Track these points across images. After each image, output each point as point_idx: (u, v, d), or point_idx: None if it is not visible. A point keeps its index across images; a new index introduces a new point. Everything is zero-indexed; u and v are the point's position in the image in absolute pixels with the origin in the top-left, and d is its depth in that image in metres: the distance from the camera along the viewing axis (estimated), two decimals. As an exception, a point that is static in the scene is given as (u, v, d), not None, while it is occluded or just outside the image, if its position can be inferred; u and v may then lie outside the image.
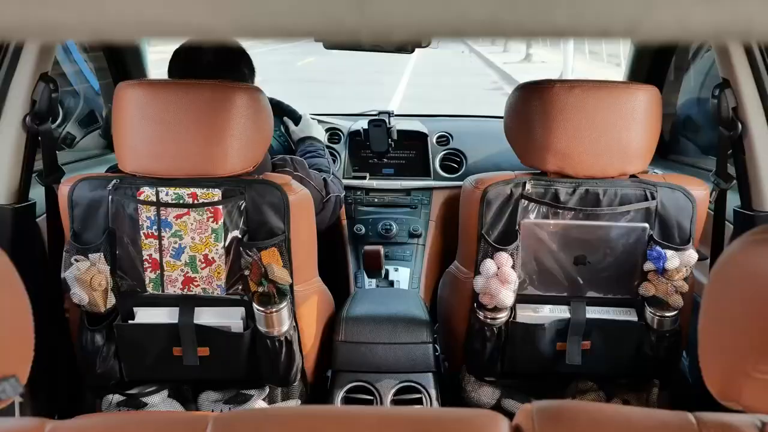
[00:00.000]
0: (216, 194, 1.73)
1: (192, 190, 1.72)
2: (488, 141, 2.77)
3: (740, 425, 0.80)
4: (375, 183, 2.81)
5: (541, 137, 1.77)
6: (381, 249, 2.45)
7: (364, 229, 2.69)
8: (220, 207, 1.73)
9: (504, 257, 1.83)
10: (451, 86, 13.68)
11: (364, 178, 2.82)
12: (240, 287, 1.79)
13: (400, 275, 2.57)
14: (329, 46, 2.27)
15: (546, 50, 20.27)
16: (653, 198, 1.81)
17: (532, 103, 1.77)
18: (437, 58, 18.60)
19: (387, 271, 2.56)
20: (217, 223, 1.75)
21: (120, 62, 2.56)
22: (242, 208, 1.74)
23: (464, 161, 2.82)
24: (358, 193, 2.78)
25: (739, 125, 1.83)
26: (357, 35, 0.42)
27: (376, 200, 2.77)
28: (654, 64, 2.48)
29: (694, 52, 2.58)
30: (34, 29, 0.42)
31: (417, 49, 2.25)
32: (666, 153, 2.67)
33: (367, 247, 2.46)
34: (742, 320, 0.75)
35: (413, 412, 0.82)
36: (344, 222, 2.71)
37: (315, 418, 0.82)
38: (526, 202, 1.83)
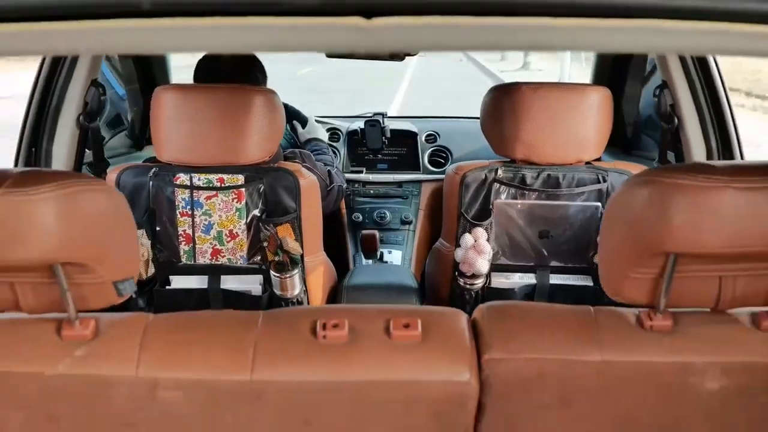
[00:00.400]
0: (239, 179, 2.08)
1: (219, 175, 2.07)
2: (471, 139, 3.12)
3: (623, 313, 1.16)
4: (371, 176, 3.17)
5: (511, 131, 2.12)
6: (376, 233, 2.81)
7: (361, 217, 3.04)
8: (243, 190, 2.09)
9: (480, 231, 2.18)
10: (448, 93, 13.97)
11: (361, 172, 3.17)
12: (259, 257, 2.14)
13: (393, 257, 2.91)
14: (330, 55, 2.62)
15: (543, 58, 20.64)
16: (604, 181, 2.17)
17: (504, 102, 2.13)
18: (434, 67, 18.93)
19: (382, 254, 2.91)
20: (240, 203, 2.10)
21: (147, 70, 2.91)
22: (261, 190, 2.09)
23: (450, 157, 3.18)
24: (356, 185, 3.13)
25: (676, 119, 2.20)
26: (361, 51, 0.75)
27: (371, 192, 3.12)
28: (614, 71, 2.85)
29: (653, 63, 2.94)
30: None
31: (415, 58, 2.61)
32: (629, 149, 3.02)
33: (365, 232, 2.81)
34: (622, 239, 1.11)
35: (398, 308, 1.17)
36: (344, 211, 3.06)
37: (334, 311, 1.18)
38: (498, 185, 2.19)
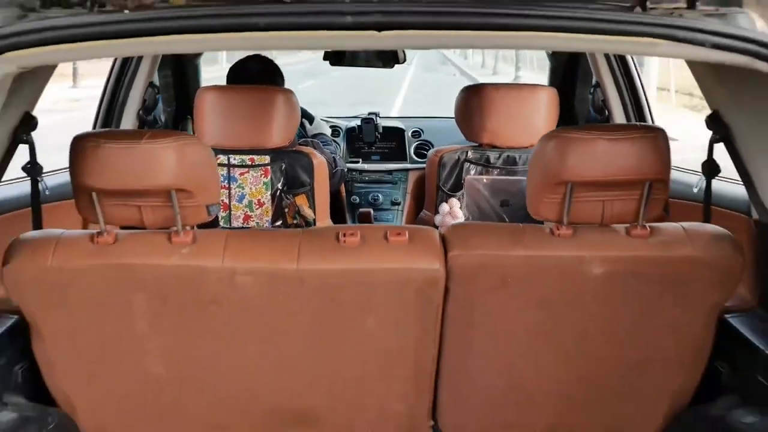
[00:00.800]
0: (266, 159, 2.66)
1: (250, 156, 2.66)
2: (449, 134, 3.73)
3: (541, 227, 1.75)
4: (366, 166, 3.77)
5: (478, 121, 2.72)
6: (371, 211, 3.41)
7: (358, 199, 3.64)
8: (269, 167, 2.67)
9: (454, 201, 2.78)
10: (444, 104, 14.53)
11: (357, 162, 3.78)
12: (280, 221, 2.73)
13: (385, 231, 3.51)
14: (334, 63, 3.23)
15: (534, 73, 21.60)
16: (551, 160, 2.77)
17: (473, 99, 2.73)
18: (428, 80, 19.58)
19: (376, 228, 3.51)
20: (266, 178, 2.69)
21: (183, 81, 3.49)
22: (282, 168, 2.68)
23: (432, 149, 3.78)
24: (354, 173, 3.73)
25: (607, 112, 2.80)
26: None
27: (366, 178, 3.72)
28: (564, 76, 3.45)
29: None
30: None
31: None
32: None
33: (361, 210, 3.42)
34: (539, 175, 1.70)
35: (393, 225, 1.75)
36: (344, 194, 3.66)
37: (350, 227, 1.76)
38: (468, 164, 2.79)
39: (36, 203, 1.90)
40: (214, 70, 3.22)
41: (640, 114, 2.82)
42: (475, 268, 1.73)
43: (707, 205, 1.90)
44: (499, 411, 1.97)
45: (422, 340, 1.78)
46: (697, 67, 1.70)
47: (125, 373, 1.84)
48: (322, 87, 16.95)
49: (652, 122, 2.83)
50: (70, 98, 22.07)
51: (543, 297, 1.77)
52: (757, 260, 1.85)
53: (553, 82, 3.57)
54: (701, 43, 1.22)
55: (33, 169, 1.87)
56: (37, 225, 1.90)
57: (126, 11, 1.20)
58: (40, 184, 1.91)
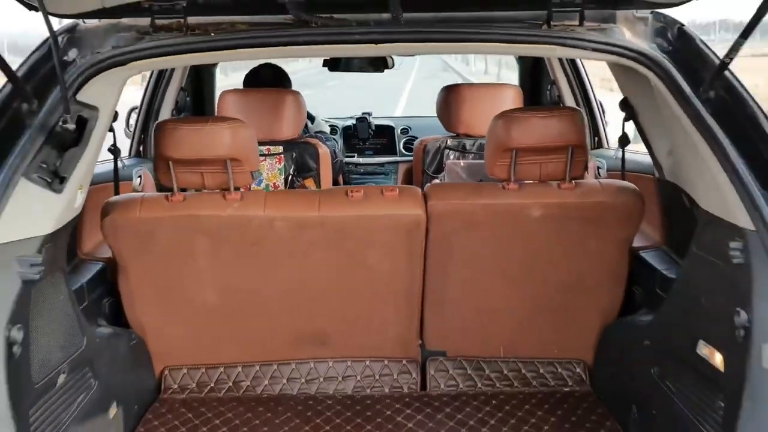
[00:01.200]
0: (279, 149, 3.39)
1: (266, 146, 3.38)
2: (433, 130, 4.47)
3: (496, 183, 2.49)
4: (361, 159, 4.52)
5: (455, 114, 3.47)
6: None
7: None
8: (282, 156, 3.40)
9: (436, 182, 3.51)
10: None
11: (353, 156, 4.53)
12: (293, 200, 3.45)
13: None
14: (332, 69, 3.99)
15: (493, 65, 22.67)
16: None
17: (451, 96, 3.48)
18: (429, 89, 20.31)
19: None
20: (280, 165, 3.42)
21: (199, 88, 4.22)
22: (293, 156, 3.41)
23: (417, 139, 4.54)
24: (350, 166, 4.47)
25: (562, 105, 3.55)
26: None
27: (362, 170, 4.47)
28: (532, 77, 4.22)
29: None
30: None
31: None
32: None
33: None
34: (492, 142, 2.46)
35: (387, 185, 2.48)
36: (342, 184, 4.39)
37: (355, 187, 2.49)
38: (448, 150, 3.54)
39: (116, 176, 2.64)
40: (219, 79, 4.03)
41: (588, 106, 3.59)
42: (448, 213, 2.46)
43: (623, 168, 2.65)
44: (471, 329, 2.71)
45: (410, 268, 2.52)
46: (611, 66, 2.43)
47: (187, 302, 2.56)
48: (320, 97, 17.62)
49: (599, 111, 3.59)
50: None
51: (497, 234, 2.50)
52: (660, 209, 2.59)
53: (522, 81, 4.34)
54: (585, 48, 1.95)
55: (115, 150, 2.60)
56: (116, 192, 2.63)
57: (212, 34, 1.92)
58: (119, 162, 2.65)
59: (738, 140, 1.76)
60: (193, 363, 2.72)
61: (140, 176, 3.30)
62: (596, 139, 3.62)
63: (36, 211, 1.81)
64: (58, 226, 1.93)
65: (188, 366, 2.72)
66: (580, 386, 2.72)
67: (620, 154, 2.73)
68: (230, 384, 2.72)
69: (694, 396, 1.93)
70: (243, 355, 2.72)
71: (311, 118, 4.31)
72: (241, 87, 3.52)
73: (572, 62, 3.61)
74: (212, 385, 2.72)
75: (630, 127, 2.55)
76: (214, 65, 4.29)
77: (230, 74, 13.84)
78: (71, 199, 1.94)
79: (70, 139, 1.85)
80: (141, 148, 3.63)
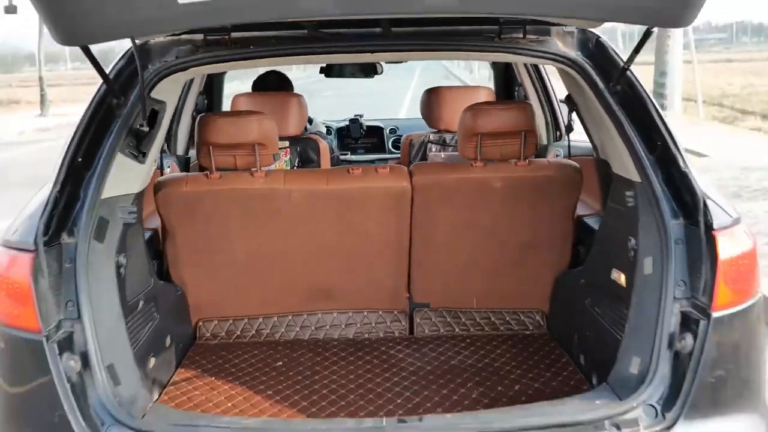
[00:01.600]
0: (286, 144, 4.18)
1: (276, 141, 4.17)
2: (418, 130, 5.27)
3: (465, 161, 3.29)
4: (353, 157, 5.33)
5: (436, 112, 4.28)
6: None
7: None
8: (288, 149, 4.19)
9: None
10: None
11: (347, 154, 5.33)
12: (298, 187, 4.24)
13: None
14: (327, 75, 4.81)
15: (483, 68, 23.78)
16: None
17: (432, 97, 4.29)
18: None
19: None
20: (287, 157, 4.21)
21: (210, 91, 5.02)
22: (298, 150, 4.20)
23: (404, 135, 5.35)
24: (344, 163, 5.26)
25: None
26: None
27: None
28: (504, 79, 5.04)
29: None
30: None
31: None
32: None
33: None
34: (462, 130, 3.25)
35: (380, 165, 3.29)
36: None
37: (354, 166, 3.28)
38: (430, 144, 4.35)
39: (161, 162, 3.42)
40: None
41: (550, 106, 4.42)
42: (428, 185, 3.25)
43: (569, 151, 3.47)
44: (449, 284, 3.49)
45: (399, 231, 3.30)
46: (558, 71, 3.23)
47: (221, 262, 3.33)
48: (317, 106, 18.29)
49: (559, 108, 4.41)
50: (38, 128, 22.83)
51: (468, 202, 3.30)
52: (599, 182, 3.40)
53: (496, 85, 5.16)
54: (526, 54, 2.75)
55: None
56: (161, 174, 3.42)
57: (250, 47, 2.71)
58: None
59: (635, 121, 2.56)
60: (222, 315, 3.49)
61: (169, 166, 4.09)
62: (557, 132, 4.44)
63: (129, 177, 2.60)
64: (142, 188, 2.72)
65: (218, 318, 3.49)
66: (538, 330, 3.52)
67: (578, 143, 3.55)
68: (253, 332, 3.49)
69: (611, 312, 2.73)
70: (263, 309, 3.50)
71: (309, 120, 5.11)
72: (237, 93, 4.28)
73: (536, 68, 4.44)
74: (238, 333, 3.49)
75: (575, 118, 3.37)
76: (224, 74, 5.09)
77: (227, 84, 14.60)
78: (149, 168, 2.73)
79: (147, 124, 2.64)
80: (165, 146, 4.42)
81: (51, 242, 2.25)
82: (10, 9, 2.07)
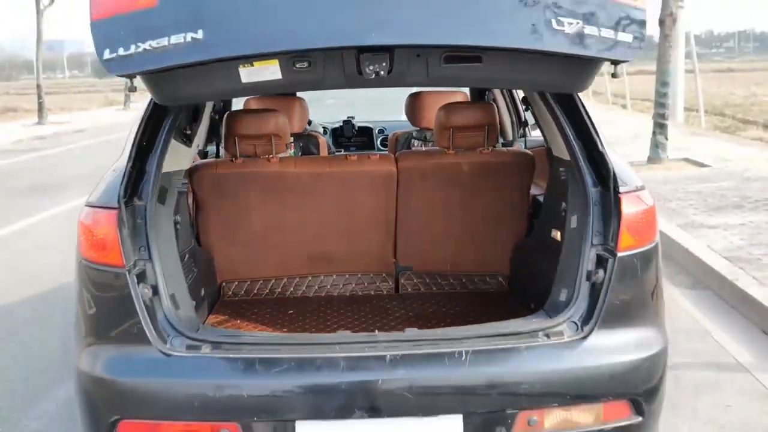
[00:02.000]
0: (290, 139, 5.09)
1: (283, 137, 5.09)
2: (403, 129, 6.22)
3: (441, 149, 4.21)
4: (347, 154, 6.23)
5: (419, 112, 5.22)
6: None
7: None
8: (293, 144, 5.11)
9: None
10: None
11: (341, 152, 6.26)
12: (301, 176, 5.17)
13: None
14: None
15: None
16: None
17: (416, 101, 5.24)
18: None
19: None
20: (291, 151, 5.13)
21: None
22: (301, 145, 5.13)
23: (391, 132, 6.29)
24: None
25: (496, 107, 5.33)
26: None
27: None
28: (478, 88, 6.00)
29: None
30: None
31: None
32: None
33: None
34: (436, 123, 4.18)
35: (372, 152, 4.21)
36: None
37: (350, 155, 4.21)
38: (414, 140, 5.29)
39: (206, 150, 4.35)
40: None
41: (515, 108, 5.38)
42: (411, 169, 4.17)
43: (525, 142, 4.41)
44: (428, 251, 4.41)
45: (387, 206, 4.22)
46: None
47: (241, 231, 4.23)
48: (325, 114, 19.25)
49: (523, 111, 5.35)
50: (36, 136, 23.29)
51: (443, 182, 4.21)
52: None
53: (471, 90, 6.11)
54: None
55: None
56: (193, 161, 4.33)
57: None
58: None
59: (568, 116, 3.48)
60: (242, 277, 4.39)
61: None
62: (521, 130, 5.39)
63: (181, 156, 3.50)
64: (189, 166, 3.64)
65: (239, 279, 4.39)
66: (500, 289, 4.43)
67: (539, 139, 4.50)
68: (267, 291, 4.39)
69: (551, 262, 3.65)
70: (276, 271, 4.40)
71: (308, 122, 6.04)
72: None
73: None
74: (255, 291, 4.39)
75: (530, 115, 4.32)
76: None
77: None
78: (194, 151, 3.65)
79: (192, 118, 3.55)
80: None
81: (128, 203, 3.14)
82: (131, 88, 2.84)
